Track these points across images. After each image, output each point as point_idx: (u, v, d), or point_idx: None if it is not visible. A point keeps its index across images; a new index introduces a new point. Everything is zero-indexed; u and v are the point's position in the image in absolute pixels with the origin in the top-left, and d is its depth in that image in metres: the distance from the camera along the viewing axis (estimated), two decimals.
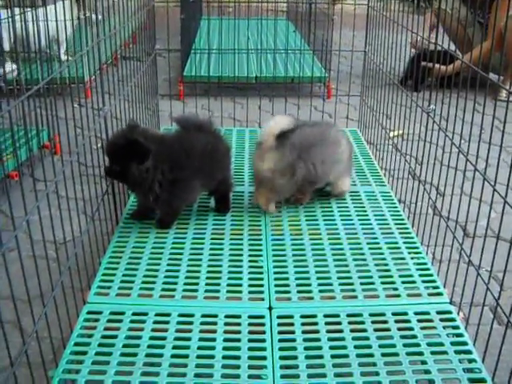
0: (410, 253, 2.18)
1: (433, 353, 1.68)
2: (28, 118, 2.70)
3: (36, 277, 1.53)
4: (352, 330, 1.77)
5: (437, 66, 4.60)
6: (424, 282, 2.01)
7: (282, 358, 1.66)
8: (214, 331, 1.75)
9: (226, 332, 1.75)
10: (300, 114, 3.83)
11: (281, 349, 1.69)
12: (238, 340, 1.72)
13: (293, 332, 1.76)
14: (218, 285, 1.97)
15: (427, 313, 1.86)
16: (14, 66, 3.74)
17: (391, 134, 3.11)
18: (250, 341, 1.72)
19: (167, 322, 1.79)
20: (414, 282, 2.00)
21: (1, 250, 1.30)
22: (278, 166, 2.30)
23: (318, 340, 1.72)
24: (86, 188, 2.03)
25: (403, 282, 2.00)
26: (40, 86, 1.61)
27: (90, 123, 2.13)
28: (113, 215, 2.40)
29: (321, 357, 1.66)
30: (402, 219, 2.43)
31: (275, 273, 2.04)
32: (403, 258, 2.14)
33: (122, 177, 2.22)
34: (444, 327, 1.79)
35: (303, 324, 1.79)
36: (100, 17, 2.40)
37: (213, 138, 2.37)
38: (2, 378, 1.38)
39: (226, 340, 1.72)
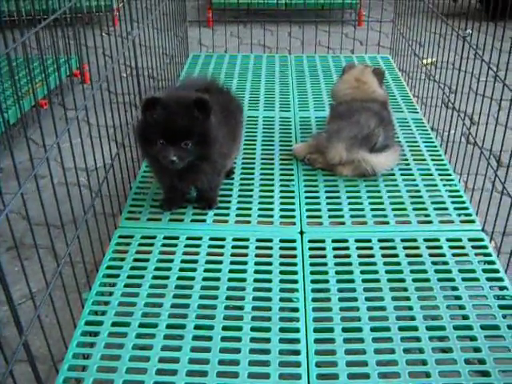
0: (442, 180, 2.15)
1: (464, 279, 1.68)
2: (56, 46, 2.68)
3: (68, 203, 1.54)
4: (383, 255, 1.76)
5: None
6: (456, 209, 1.99)
7: (313, 281, 1.66)
8: (246, 255, 1.76)
9: (257, 256, 1.76)
10: (331, 42, 3.75)
11: (312, 272, 1.69)
12: (270, 264, 1.73)
13: (324, 256, 1.76)
14: (250, 209, 1.97)
15: (459, 239, 1.84)
16: None
17: (424, 62, 3.04)
18: (281, 264, 1.72)
19: (198, 246, 1.80)
20: (446, 208, 1.98)
21: (32, 175, 1.31)
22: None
23: (350, 264, 1.73)
24: (115, 115, 2.01)
25: (435, 209, 1.98)
26: (61, 13, 1.58)
27: (118, 51, 2.10)
28: None
29: (352, 281, 1.67)
30: (435, 146, 2.38)
31: (306, 197, 2.04)
32: (435, 185, 2.11)
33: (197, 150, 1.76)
34: (476, 254, 1.78)
35: (334, 249, 1.79)
36: None
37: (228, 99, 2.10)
38: (39, 298, 1.41)
39: (257, 264, 1.73)
